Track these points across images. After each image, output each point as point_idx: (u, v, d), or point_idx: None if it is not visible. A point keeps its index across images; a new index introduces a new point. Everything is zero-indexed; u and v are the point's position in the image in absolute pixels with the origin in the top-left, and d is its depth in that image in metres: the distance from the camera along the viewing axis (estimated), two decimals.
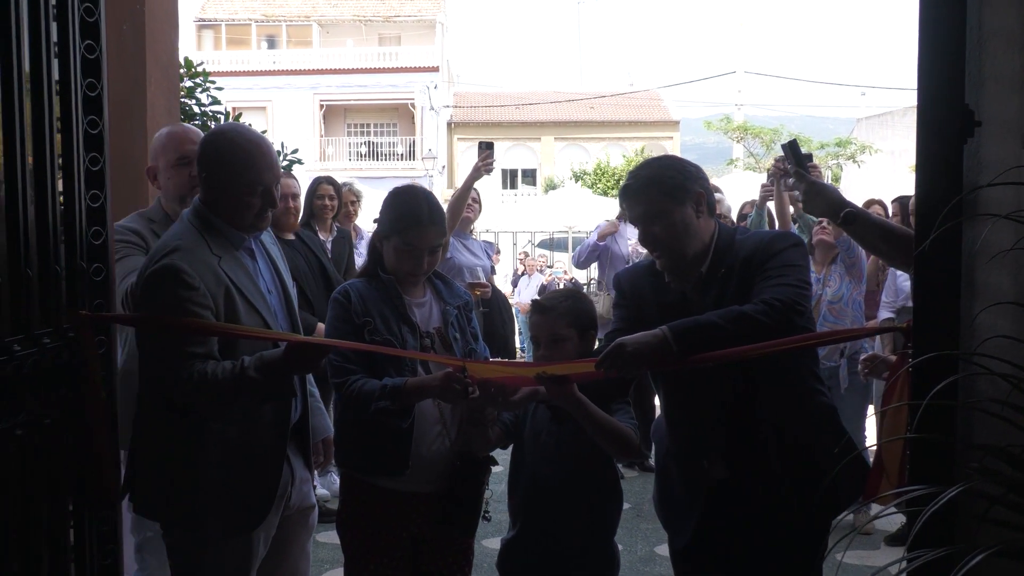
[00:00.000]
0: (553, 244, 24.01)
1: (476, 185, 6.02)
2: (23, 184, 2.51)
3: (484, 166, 5.75)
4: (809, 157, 5.28)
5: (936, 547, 1.55)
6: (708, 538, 2.90)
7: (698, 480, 2.92)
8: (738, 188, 14.53)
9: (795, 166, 3.18)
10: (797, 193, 3.20)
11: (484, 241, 7.22)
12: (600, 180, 33.26)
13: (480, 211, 7.17)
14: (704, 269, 2.89)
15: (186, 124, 3.81)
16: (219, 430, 2.81)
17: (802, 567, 2.80)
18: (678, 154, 40.17)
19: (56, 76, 2.71)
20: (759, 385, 2.82)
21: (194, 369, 2.70)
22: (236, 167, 2.88)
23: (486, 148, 5.78)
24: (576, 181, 33.19)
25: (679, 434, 3.01)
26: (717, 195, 6.11)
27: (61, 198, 2.74)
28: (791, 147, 3.24)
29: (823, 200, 3.09)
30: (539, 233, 23.81)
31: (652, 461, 6.41)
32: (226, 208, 2.91)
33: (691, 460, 2.96)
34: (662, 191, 2.89)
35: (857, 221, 2.99)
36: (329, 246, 6.14)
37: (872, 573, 1.70)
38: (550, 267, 19.48)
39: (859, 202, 3.58)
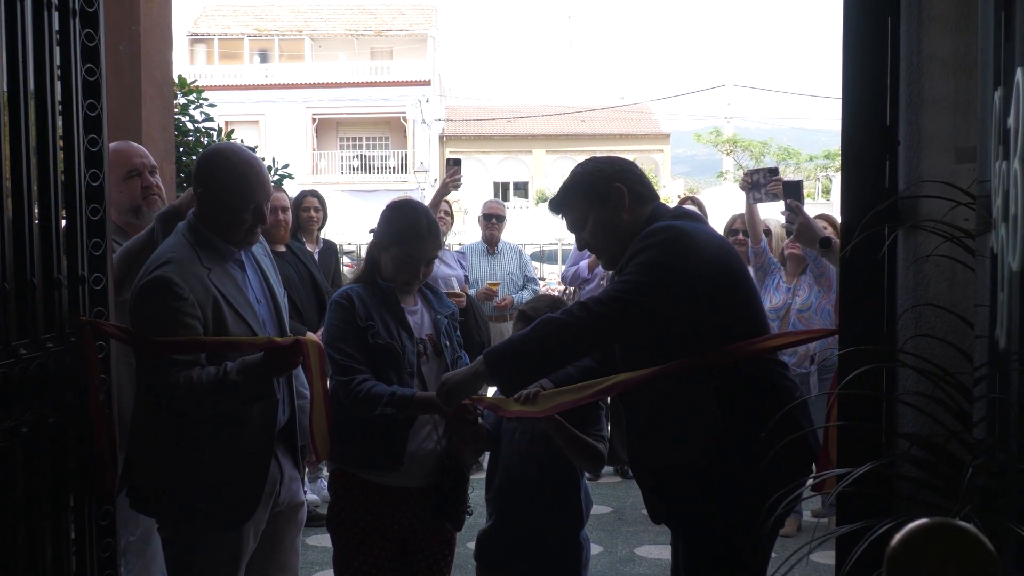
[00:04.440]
0: (544, 256, 24.14)
1: (453, 199, 6.25)
2: (28, 198, 2.68)
3: (452, 182, 6.03)
4: (775, 171, 5.57)
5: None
6: (661, 518, 2.99)
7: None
8: (728, 200, 14.71)
9: (795, 201, 4.60)
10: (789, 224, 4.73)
11: (457, 251, 7.45)
12: None
13: (452, 224, 7.41)
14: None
15: (129, 141, 3.97)
16: (209, 431, 2.96)
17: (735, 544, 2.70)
18: (668, 167, 40.42)
19: (59, 97, 2.88)
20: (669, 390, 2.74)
21: (180, 375, 2.85)
22: (230, 185, 3.03)
23: (454, 164, 6.05)
24: None
25: None
26: (693, 208, 6.30)
27: (63, 211, 2.91)
28: (797, 186, 4.78)
29: (810, 233, 4.57)
30: (530, 245, 23.94)
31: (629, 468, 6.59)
32: (219, 223, 3.06)
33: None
34: (579, 196, 2.90)
35: (831, 245, 4.45)
36: (316, 257, 6.26)
37: (804, 544, 1.82)
38: (542, 279, 19.63)
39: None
